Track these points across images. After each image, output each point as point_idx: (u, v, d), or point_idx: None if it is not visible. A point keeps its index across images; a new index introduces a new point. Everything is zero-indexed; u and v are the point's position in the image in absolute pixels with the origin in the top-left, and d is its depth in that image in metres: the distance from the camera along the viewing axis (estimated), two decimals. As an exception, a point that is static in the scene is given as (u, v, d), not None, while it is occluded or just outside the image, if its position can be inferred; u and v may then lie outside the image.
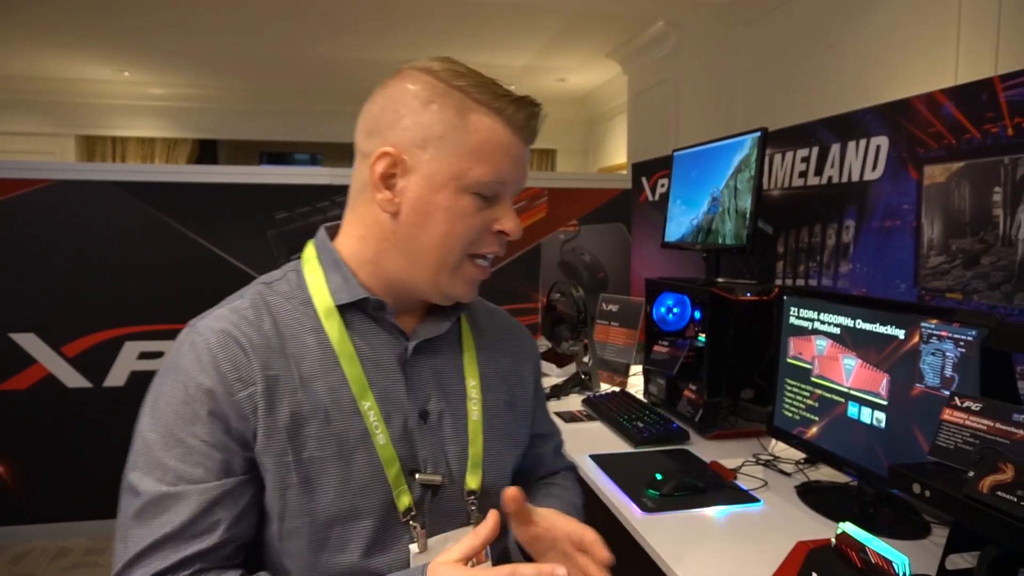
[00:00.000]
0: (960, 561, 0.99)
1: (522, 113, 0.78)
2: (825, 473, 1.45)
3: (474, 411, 0.86)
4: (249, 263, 2.99)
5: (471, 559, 0.72)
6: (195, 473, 0.72)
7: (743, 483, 1.39)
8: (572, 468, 1.11)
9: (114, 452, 1.08)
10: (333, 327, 0.79)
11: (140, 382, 2.79)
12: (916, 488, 0.90)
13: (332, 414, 0.76)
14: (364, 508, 0.76)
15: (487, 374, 0.90)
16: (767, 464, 1.50)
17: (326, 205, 3.06)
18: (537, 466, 1.03)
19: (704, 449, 1.62)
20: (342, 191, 0.94)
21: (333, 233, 0.86)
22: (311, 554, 0.75)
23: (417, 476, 0.80)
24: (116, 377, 2.94)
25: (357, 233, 0.82)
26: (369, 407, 0.78)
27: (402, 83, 0.78)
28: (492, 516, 0.74)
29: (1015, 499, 0.77)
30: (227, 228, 2.99)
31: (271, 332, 0.77)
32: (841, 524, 1.05)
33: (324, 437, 0.76)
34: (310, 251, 0.86)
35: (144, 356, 2.95)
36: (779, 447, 1.58)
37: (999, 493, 0.79)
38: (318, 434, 0.76)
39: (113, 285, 2.90)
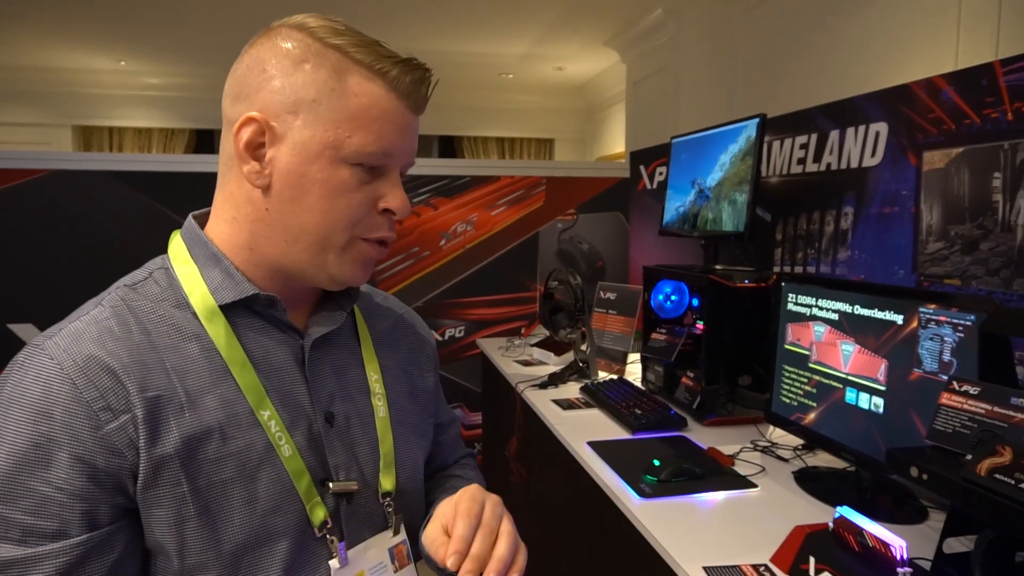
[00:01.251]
0: (957, 545, 0.99)
1: (408, 77, 0.69)
2: (823, 459, 1.45)
3: (380, 407, 0.80)
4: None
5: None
6: (48, 528, 0.59)
7: (741, 469, 1.39)
8: (471, 455, 1.05)
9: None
10: (218, 331, 0.69)
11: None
12: (914, 471, 0.90)
13: (228, 431, 0.67)
14: (277, 529, 0.68)
15: (387, 366, 0.84)
16: (765, 450, 1.51)
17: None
18: (437, 456, 0.97)
19: (702, 436, 1.62)
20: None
21: (203, 222, 0.76)
22: None
23: (331, 485, 0.73)
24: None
25: (228, 215, 0.73)
26: (269, 417, 0.69)
27: (273, 41, 0.70)
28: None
29: (1013, 482, 0.77)
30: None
31: (143, 345, 0.66)
32: (839, 508, 1.06)
33: (222, 458, 0.66)
34: (178, 244, 0.75)
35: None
36: (777, 433, 1.58)
37: (997, 476, 0.79)
38: (215, 456, 0.66)
39: (110, 274, 2.85)
